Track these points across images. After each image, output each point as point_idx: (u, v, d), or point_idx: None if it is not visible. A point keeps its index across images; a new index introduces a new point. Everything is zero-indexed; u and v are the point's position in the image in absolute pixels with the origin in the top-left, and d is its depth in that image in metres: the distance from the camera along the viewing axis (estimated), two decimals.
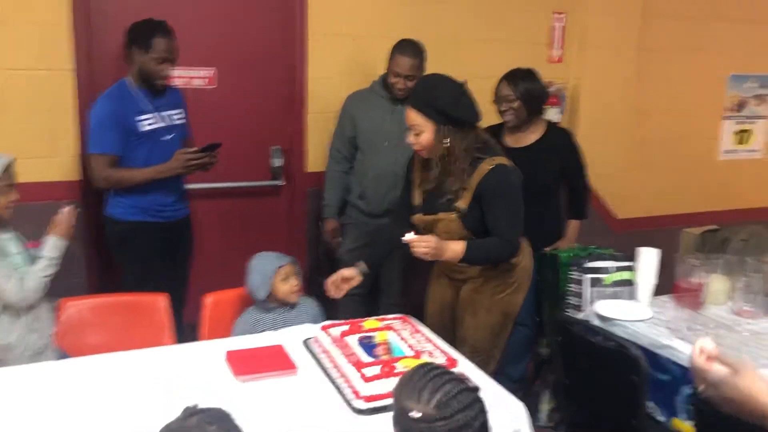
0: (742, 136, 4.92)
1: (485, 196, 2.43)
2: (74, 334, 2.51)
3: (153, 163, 2.92)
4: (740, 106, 4.83)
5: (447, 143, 2.39)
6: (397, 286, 3.56)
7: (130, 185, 2.91)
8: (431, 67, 3.67)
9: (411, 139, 2.46)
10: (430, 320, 2.80)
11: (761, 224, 3.63)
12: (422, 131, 2.41)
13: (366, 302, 3.44)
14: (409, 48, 3.18)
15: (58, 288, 2.54)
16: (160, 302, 2.64)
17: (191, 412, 1.31)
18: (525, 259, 2.69)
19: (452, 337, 2.67)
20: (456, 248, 2.42)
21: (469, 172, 2.43)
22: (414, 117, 2.41)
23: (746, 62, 4.78)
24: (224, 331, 2.50)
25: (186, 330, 3.01)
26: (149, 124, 2.92)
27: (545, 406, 3.30)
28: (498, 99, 3.20)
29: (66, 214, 2.45)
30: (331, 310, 3.40)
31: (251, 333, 2.42)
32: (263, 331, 2.43)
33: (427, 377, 1.36)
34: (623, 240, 4.29)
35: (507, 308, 2.68)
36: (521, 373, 3.53)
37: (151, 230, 2.98)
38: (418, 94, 2.44)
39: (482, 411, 1.35)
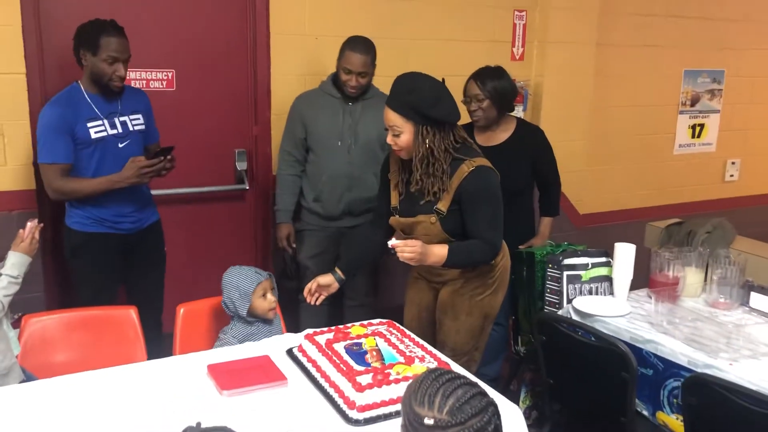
0: (696, 129, 5.03)
1: (465, 198, 2.40)
2: (39, 353, 2.36)
3: (104, 172, 2.75)
4: (694, 100, 4.94)
5: (427, 144, 2.34)
6: (361, 287, 3.50)
7: (82, 196, 2.75)
8: (394, 68, 3.63)
9: (389, 140, 2.41)
10: (409, 324, 2.75)
11: (724, 216, 3.70)
12: (401, 132, 2.36)
13: (329, 305, 3.32)
14: (360, 44, 3.11)
15: (16, 303, 2.37)
16: (129, 315, 2.51)
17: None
18: (504, 258, 2.67)
19: (432, 341, 2.63)
20: (439, 252, 2.39)
21: (449, 174, 2.39)
22: (393, 118, 2.36)
23: (699, 58, 4.89)
24: (199, 343, 2.40)
25: (163, 340, 2.90)
26: (100, 131, 2.75)
27: (522, 405, 3.29)
28: (467, 99, 3.18)
29: (30, 228, 2.26)
30: (293, 314, 3.34)
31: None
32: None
33: (437, 383, 1.31)
34: (586, 235, 4.35)
35: (487, 310, 2.65)
36: (496, 372, 3.54)
37: (106, 242, 2.82)
38: (396, 94, 2.37)
39: (495, 414, 1.32)
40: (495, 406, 1.31)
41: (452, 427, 1.26)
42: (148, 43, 3.29)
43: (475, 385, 1.33)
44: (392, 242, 2.30)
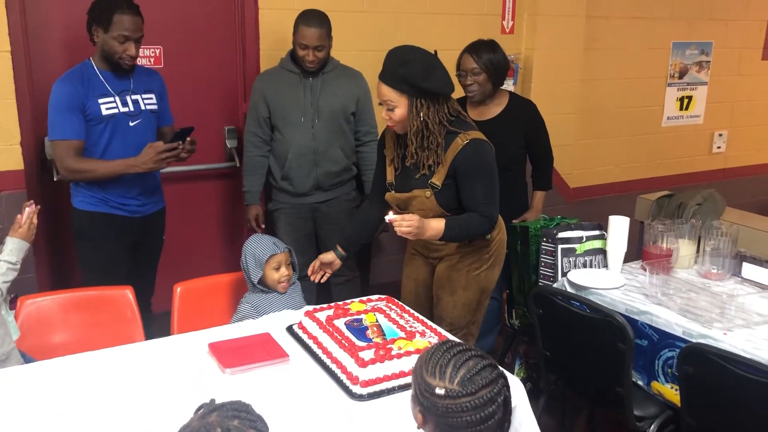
0: (684, 102, 5.05)
1: (461, 171, 2.39)
2: (36, 334, 2.35)
3: (114, 150, 2.70)
4: (682, 72, 4.95)
5: (421, 117, 2.33)
6: (348, 261, 3.49)
7: (95, 178, 2.68)
8: (383, 41, 3.61)
9: (384, 115, 2.40)
10: (406, 300, 2.76)
11: (713, 187, 3.73)
12: (395, 106, 2.35)
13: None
14: (314, 18, 3.06)
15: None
16: (125, 296, 2.50)
17: (210, 408, 1.24)
18: (501, 232, 2.68)
19: (429, 316, 2.64)
20: (436, 226, 2.38)
21: (444, 147, 2.39)
22: (386, 92, 2.34)
23: (688, 30, 4.89)
24: (198, 322, 2.38)
25: (153, 321, 2.89)
26: (111, 108, 2.69)
27: (516, 377, 3.33)
28: (462, 73, 3.16)
29: (28, 213, 2.20)
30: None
31: (254, 316, 2.37)
32: (265, 312, 2.38)
33: (449, 354, 1.34)
34: (577, 209, 4.38)
35: (484, 284, 2.66)
36: (490, 345, 3.57)
37: (112, 222, 2.77)
38: (389, 68, 2.35)
39: (505, 386, 1.34)
40: (505, 378, 1.33)
41: (463, 397, 1.28)
42: None
43: (486, 357, 1.34)
44: (389, 216, 2.29)
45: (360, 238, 2.73)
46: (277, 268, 2.42)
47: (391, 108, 2.36)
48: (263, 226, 3.37)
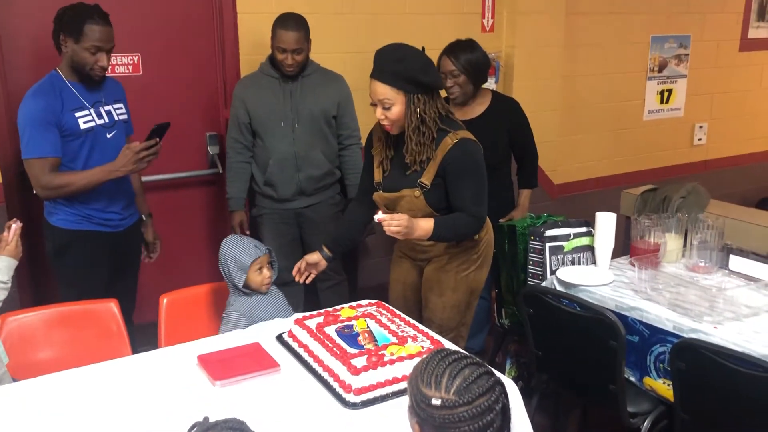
0: (664, 95, 5.08)
1: (450, 171, 2.38)
2: (19, 353, 2.29)
3: (94, 165, 2.60)
4: (661, 66, 4.98)
5: (419, 112, 2.33)
6: (334, 265, 3.47)
7: (74, 191, 2.58)
8: (362, 42, 3.60)
9: (379, 114, 2.37)
10: (394, 303, 2.73)
11: (694, 180, 3.74)
12: (392, 104, 2.33)
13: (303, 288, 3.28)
14: (291, 22, 3.04)
15: None
16: (110, 309, 2.46)
17: (205, 427, 1.21)
18: (488, 233, 2.67)
19: (418, 318, 2.62)
20: (425, 226, 2.37)
21: (434, 146, 2.38)
22: (383, 91, 2.33)
23: (666, 23, 4.91)
24: (185, 334, 2.35)
25: (136, 334, 2.84)
26: (88, 121, 2.61)
27: (507, 376, 3.32)
28: (442, 75, 3.14)
29: (15, 231, 2.15)
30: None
31: (246, 321, 2.36)
32: (256, 316, 2.38)
33: (444, 363, 1.31)
34: (563, 205, 4.38)
35: (472, 285, 2.65)
36: (481, 345, 3.56)
37: (94, 240, 2.69)
38: (383, 67, 2.33)
39: (503, 393, 1.32)
40: (502, 385, 1.31)
41: (460, 407, 1.26)
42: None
43: (482, 364, 1.32)
44: (378, 216, 2.27)
45: (346, 239, 2.70)
46: (260, 270, 2.39)
47: (388, 106, 2.34)
48: (248, 233, 3.34)
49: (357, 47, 3.68)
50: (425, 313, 2.70)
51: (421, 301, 2.72)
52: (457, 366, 1.30)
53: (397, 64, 2.30)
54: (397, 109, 2.34)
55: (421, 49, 2.42)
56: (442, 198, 2.44)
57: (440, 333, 2.46)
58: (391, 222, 2.26)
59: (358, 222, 2.69)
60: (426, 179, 2.41)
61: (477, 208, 2.44)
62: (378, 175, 2.54)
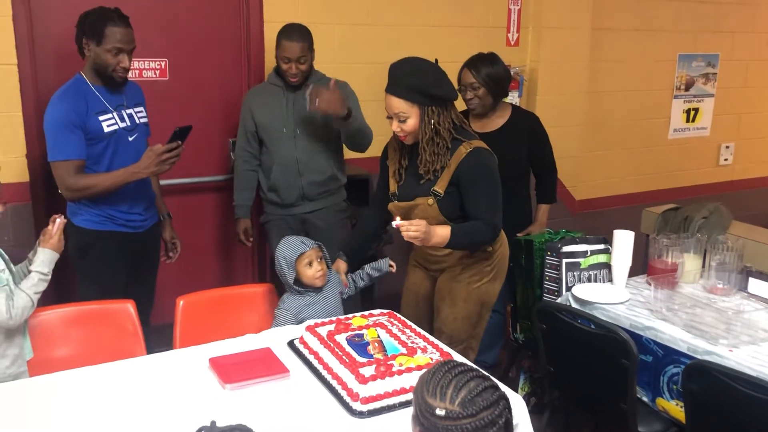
0: (690, 114, 5.03)
1: (464, 179, 2.42)
2: (37, 349, 2.31)
3: (118, 167, 2.65)
4: (688, 84, 4.94)
5: (433, 124, 2.38)
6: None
7: (99, 192, 2.63)
8: (387, 54, 3.61)
9: (395, 127, 2.43)
10: (406, 311, 2.77)
11: (719, 200, 3.70)
12: (407, 117, 2.39)
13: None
14: (295, 32, 3.08)
15: None
16: (126, 310, 2.49)
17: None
18: (503, 246, 2.68)
19: (429, 329, 2.65)
20: (442, 233, 2.40)
21: (448, 155, 2.42)
22: (398, 104, 2.38)
23: (694, 41, 4.88)
24: (201, 336, 2.37)
25: (152, 334, 2.88)
26: (111, 125, 2.67)
27: (520, 392, 3.31)
28: (462, 87, 3.16)
29: (58, 225, 2.21)
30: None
31: (295, 319, 2.43)
32: (305, 316, 2.43)
33: (450, 374, 1.32)
34: (583, 222, 4.35)
35: (484, 297, 2.66)
36: (494, 359, 3.55)
37: (117, 240, 2.73)
38: (397, 81, 2.39)
39: (507, 408, 1.32)
40: (506, 399, 1.31)
41: (464, 418, 1.26)
42: (140, 32, 3.19)
43: (488, 378, 1.33)
44: (397, 222, 2.31)
45: (362, 250, 2.75)
46: (309, 265, 2.44)
47: (403, 119, 2.40)
48: (252, 240, 3.39)
49: (381, 59, 3.69)
50: (436, 323, 2.70)
51: (433, 312, 2.73)
52: (463, 378, 1.31)
53: (410, 78, 2.36)
54: (412, 122, 2.39)
55: (434, 61, 2.46)
56: (455, 206, 2.46)
57: (450, 344, 2.48)
58: (409, 228, 2.29)
59: (371, 231, 2.74)
60: (439, 187, 2.44)
61: (492, 216, 2.46)
62: (393, 186, 2.58)
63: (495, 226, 2.48)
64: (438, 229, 2.39)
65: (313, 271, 2.44)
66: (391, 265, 2.69)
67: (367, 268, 2.71)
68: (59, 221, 2.22)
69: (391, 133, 2.52)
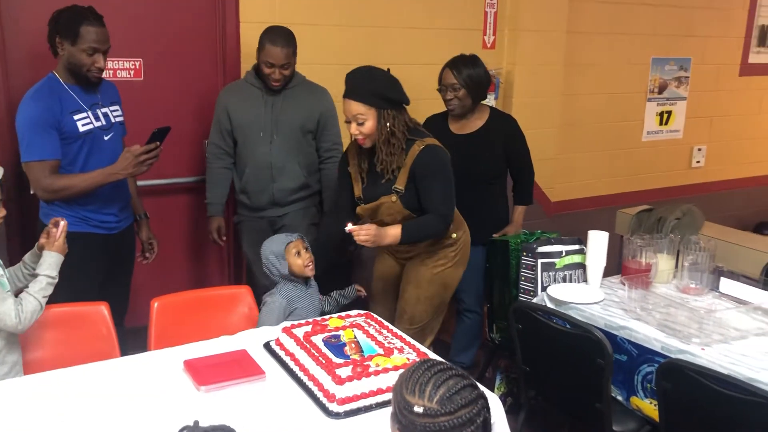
0: (663, 116, 5.10)
1: (419, 174, 2.57)
2: None
3: (92, 167, 2.61)
4: (661, 88, 5.00)
5: (389, 126, 2.53)
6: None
7: (75, 193, 2.59)
8: (365, 56, 3.62)
9: (354, 129, 2.55)
10: (375, 299, 2.96)
11: (691, 202, 3.75)
12: (365, 120, 2.53)
13: None
14: (280, 37, 3.04)
15: None
16: (100, 312, 2.46)
17: None
18: (465, 234, 2.86)
19: (394, 311, 2.86)
20: (393, 232, 2.58)
21: (404, 155, 2.58)
22: (357, 108, 2.52)
23: (667, 45, 4.94)
24: (176, 338, 2.35)
25: (127, 337, 2.84)
26: (86, 124, 2.62)
27: (497, 392, 3.32)
28: (443, 87, 3.18)
29: (62, 228, 2.18)
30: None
31: (287, 308, 2.48)
32: (298, 306, 2.51)
33: (429, 372, 1.32)
34: (558, 223, 4.39)
35: (447, 280, 2.83)
36: (471, 359, 3.56)
37: (90, 242, 2.68)
38: (356, 86, 2.54)
39: (485, 407, 1.32)
40: (485, 398, 1.32)
41: (441, 416, 1.27)
42: (114, 31, 3.15)
43: (466, 377, 1.33)
44: (348, 227, 2.47)
45: (326, 255, 2.76)
46: (298, 254, 2.49)
47: (362, 122, 2.53)
48: (224, 239, 3.36)
49: (358, 60, 3.68)
50: (400, 303, 2.83)
51: (398, 293, 2.86)
52: (442, 376, 1.32)
53: (368, 83, 2.53)
54: (369, 124, 2.53)
55: (386, 69, 2.64)
56: (416, 200, 2.62)
57: (410, 324, 2.73)
58: (360, 231, 2.47)
59: (333, 238, 2.82)
60: (400, 184, 2.59)
61: (445, 208, 2.63)
62: (357, 190, 2.71)
63: (446, 216, 2.64)
64: (389, 229, 2.58)
65: (302, 260, 2.50)
66: (358, 290, 2.81)
67: (335, 294, 2.79)
68: (62, 224, 2.21)
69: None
